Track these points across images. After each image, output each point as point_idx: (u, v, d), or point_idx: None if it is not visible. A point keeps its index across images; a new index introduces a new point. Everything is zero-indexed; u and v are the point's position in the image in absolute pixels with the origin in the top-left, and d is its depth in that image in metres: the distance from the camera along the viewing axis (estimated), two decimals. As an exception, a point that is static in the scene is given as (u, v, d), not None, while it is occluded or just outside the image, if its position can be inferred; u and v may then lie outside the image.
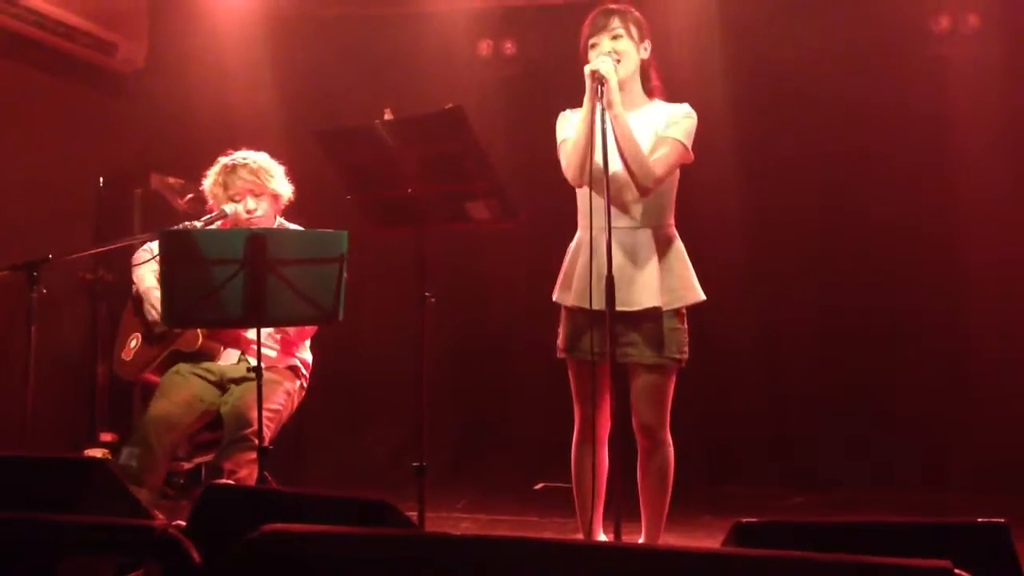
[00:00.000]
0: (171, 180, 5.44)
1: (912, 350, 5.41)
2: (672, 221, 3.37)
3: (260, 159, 3.82)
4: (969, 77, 5.25)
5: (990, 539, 1.68)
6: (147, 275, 3.79)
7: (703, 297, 3.35)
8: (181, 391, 3.66)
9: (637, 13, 3.36)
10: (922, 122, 5.35)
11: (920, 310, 5.41)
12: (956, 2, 5.29)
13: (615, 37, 3.28)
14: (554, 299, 3.44)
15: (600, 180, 3.07)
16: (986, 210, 5.27)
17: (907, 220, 5.42)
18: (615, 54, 3.23)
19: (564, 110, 3.42)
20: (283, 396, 3.74)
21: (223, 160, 3.82)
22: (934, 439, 5.31)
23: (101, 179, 5.51)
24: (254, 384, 3.37)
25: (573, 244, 3.43)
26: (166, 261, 3.19)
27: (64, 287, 4.84)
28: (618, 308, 3.12)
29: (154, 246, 3.78)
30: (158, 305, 3.55)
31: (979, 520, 1.71)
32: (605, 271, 2.99)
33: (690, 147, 3.30)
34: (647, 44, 3.35)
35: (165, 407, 3.59)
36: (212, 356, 3.81)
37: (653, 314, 3.25)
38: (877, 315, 5.48)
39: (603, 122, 3.07)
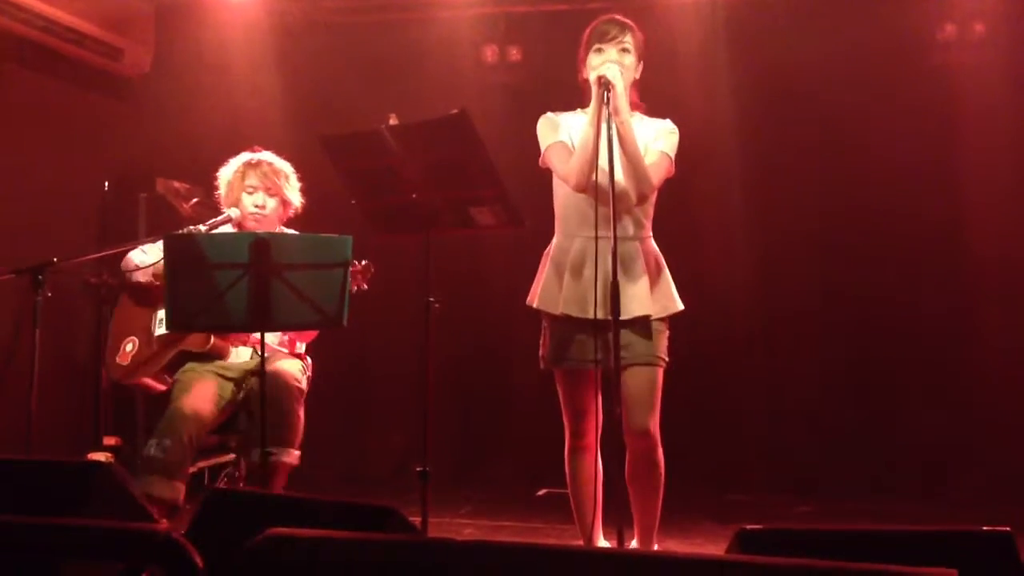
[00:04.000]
0: (176, 184, 5.44)
1: (917, 360, 5.39)
2: (651, 233, 3.40)
3: (283, 163, 3.92)
4: (975, 85, 5.25)
5: (995, 548, 1.68)
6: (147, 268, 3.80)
7: (682, 306, 3.39)
8: (204, 385, 3.67)
9: (641, 34, 3.38)
10: (928, 130, 5.34)
11: (926, 322, 5.39)
12: (962, 10, 5.29)
13: (623, 50, 3.29)
14: (535, 306, 3.42)
15: (603, 186, 3.07)
16: (993, 218, 5.26)
17: (912, 229, 5.41)
18: (620, 66, 3.23)
19: (546, 112, 3.42)
20: (301, 367, 3.85)
21: (248, 155, 3.90)
22: (939, 449, 5.30)
23: (106, 183, 5.52)
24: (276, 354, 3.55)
25: (552, 250, 3.41)
26: (171, 265, 3.19)
27: (69, 291, 4.85)
28: (611, 316, 3.12)
29: (149, 248, 3.78)
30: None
31: (984, 529, 1.70)
32: (610, 278, 2.99)
33: (673, 161, 3.33)
34: (641, 65, 3.39)
35: (193, 401, 3.59)
36: (221, 356, 3.81)
37: (643, 320, 3.28)
38: (882, 325, 5.47)
39: (609, 129, 3.07)
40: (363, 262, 3.65)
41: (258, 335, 3.51)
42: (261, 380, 3.31)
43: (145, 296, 3.84)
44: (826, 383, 5.49)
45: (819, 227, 5.54)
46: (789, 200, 5.53)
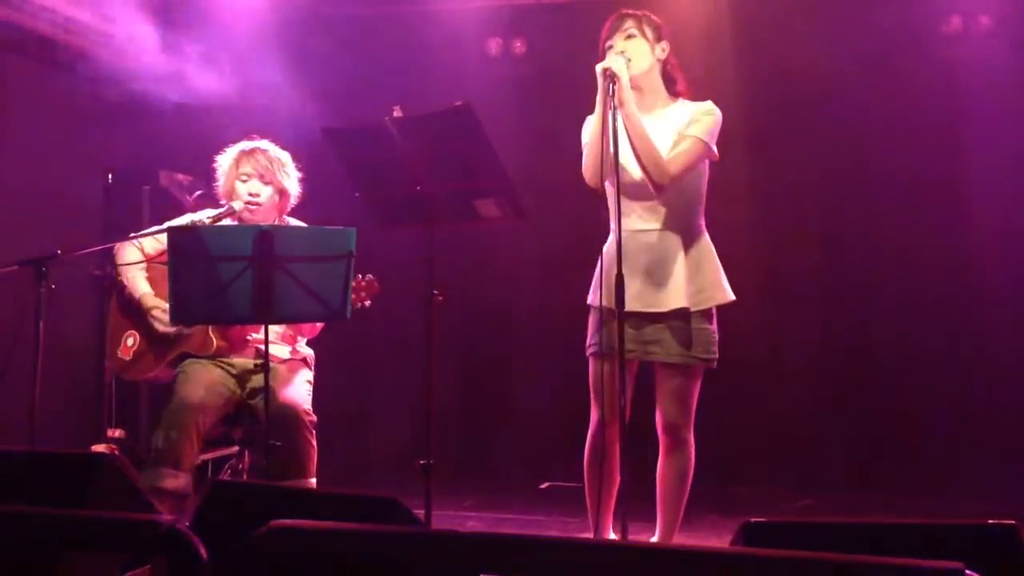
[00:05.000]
0: (180, 176, 5.44)
1: (921, 353, 5.39)
2: (702, 221, 3.39)
3: (278, 151, 3.86)
4: (981, 78, 5.23)
5: (1001, 540, 1.67)
6: (139, 279, 3.76)
7: (732, 297, 3.37)
8: (208, 376, 3.65)
9: (654, 17, 3.38)
10: (933, 122, 5.33)
11: (928, 315, 5.38)
12: (968, 3, 5.27)
13: (628, 37, 3.31)
14: (588, 302, 3.46)
15: (624, 180, 3.09)
16: (997, 212, 5.25)
17: (917, 223, 5.40)
18: (626, 53, 3.24)
19: (590, 115, 3.42)
20: (308, 378, 3.83)
21: (243, 143, 3.87)
22: (943, 443, 5.29)
23: (110, 175, 5.52)
24: (280, 371, 3.53)
25: (605, 245, 3.42)
26: (174, 257, 3.18)
27: (72, 283, 4.83)
28: (646, 309, 3.20)
29: (144, 241, 3.77)
30: (166, 307, 3.54)
31: (990, 521, 1.70)
32: (629, 270, 3.01)
33: (713, 144, 3.31)
34: (664, 45, 3.38)
35: (196, 391, 3.56)
36: (225, 356, 3.79)
37: (681, 313, 3.27)
38: (885, 319, 5.46)
39: (615, 121, 3.07)
40: (367, 277, 3.59)
41: (260, 336, 3.52)
42: (266, 398, 3.30)
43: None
44: (829, 376, 5.49)
45: (823, 221, 5.53)
46: (793, 194, 5.52)
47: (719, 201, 5.31)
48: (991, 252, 5.27)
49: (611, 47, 3.32)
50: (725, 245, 5.34)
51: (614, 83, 3.11)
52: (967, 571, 1.34)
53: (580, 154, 3.40)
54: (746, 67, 5.48)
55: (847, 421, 5.42)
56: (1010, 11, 5.23)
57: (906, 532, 1.72)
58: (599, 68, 3.16)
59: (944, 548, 1.61)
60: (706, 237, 3.38)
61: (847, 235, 5.51)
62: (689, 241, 3.31)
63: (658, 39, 3.36)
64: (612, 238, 3.35)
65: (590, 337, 3.42)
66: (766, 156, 5.51)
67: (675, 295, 3.25)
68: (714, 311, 3.35)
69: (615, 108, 3.09)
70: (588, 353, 3.44)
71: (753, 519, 1.72)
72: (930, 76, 5.35)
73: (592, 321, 3.43)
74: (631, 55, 3.25)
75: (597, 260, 3.34)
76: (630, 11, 3.38)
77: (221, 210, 3.73)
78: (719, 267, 3.37)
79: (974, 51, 5.26)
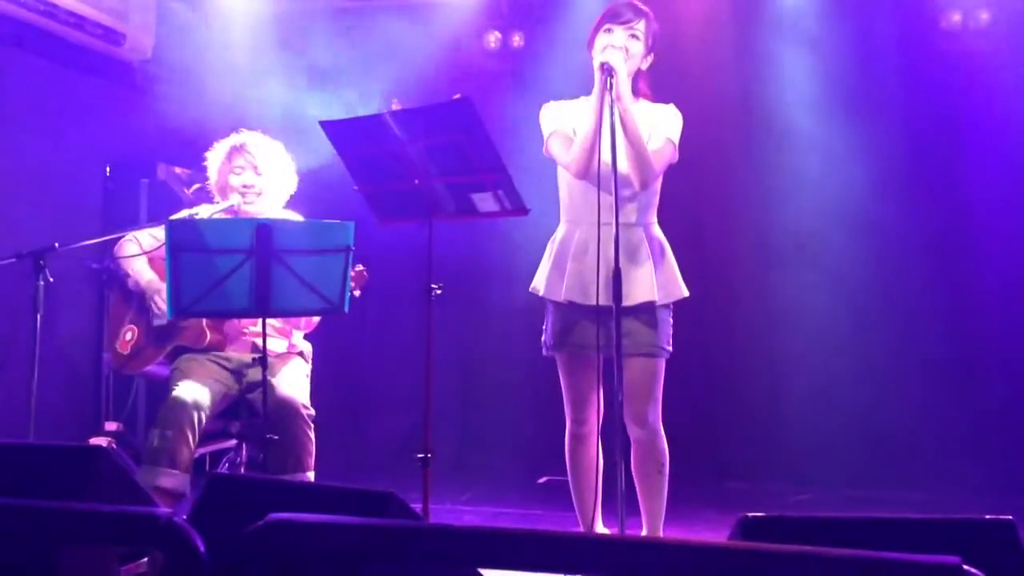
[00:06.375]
0: (178, 170, 5.44)
1: (919, 348, 5.39)
2: (656, 219, 3.40)
3: (271, 142, 3.85)
4: (979, 72, 5.23)
5: (998, 536, 1.67)
6: (143, 267, 3.76)
7: (687, 293, 3.38)
8: (203, 373, 3.64)
9: (656, 23, 3.36)
10: (931, 116, 5.33)
11: (927, 307, 5.39)
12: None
13: (632, 36, 3.27)
14: (541, 294, 3.43)
15: (606, 174, 3.06)
16: (995, 204, 5.25)
17: (915, 215, 5.40)
18: (624, 51, 3.22)
19: (548, 102, 3.42)
20: (305, 372, 3.83)
21: (234, 136, 3.85)
22: (940, 437, 5.29)
23: (108, 168, 5.52)
24: (277, 366, 3.53)
25: (558, 237, 3.42)
26: (173, 251, 3.17)
27: (70, 276, 4.84)
28: (612, 303, 3.14)
29: (140, 235, 3.76)
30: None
31: (987, 517, 1.70)
32: (612, 265, 2.99)
33: (676, 147, 3.33)
34: (651, 58, 3.36)
35: (192, 388, 3.54)
36: (220, 349, 3.79)
37: (648, 307, 3.27)
38: (883, 312, 5.47)
39: (612, 115, 3.06)
40: (357, 267, 3.57)
41: (255, 330, 3.51)
42: (264, 392, 3.30)
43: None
44: (827, 370, 5.48)
45: (821, 216, 5.52)
46: (792, 187, 5.52)
47: (717, 191, 5.35)
48: (991, 248, 5.27)
49: (610, 31, 3.28)
50: (723, 240, 5.40)
51: (612, 77, 3.10)
52: (964, 567, 1.34)
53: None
54: (740, 59, 5.47)
55: (844, 417, 5.42)
56: (1009, 5, 5.22)
57: (903, 527, 1.72)
58: (596, 63, 3.15)
59: (942, 544, 1.61)
60: (661, 233, 3.40)
61: (846, 230, 5.50)
62: (650, 236, 3.34)
63: (651, 49, 3.35)
64: (566, 229, 3.38)
65: (553, 335, 3.40)
66: (764, 147, 5.51)
67: (643, 288, 3.26)
68: (671, 306, 3.37)
69: (611, 103, 3.08)
70: (549, 352, 3.42)
71: (750, 514, 1.72)
72: (928, 70, 5.35)
73: (552, 317, 3.42)
74: (629, 57, 3.23)
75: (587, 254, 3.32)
76: (641, 6, 3.34)
77: (220, 205, 3.73)
78: (675, 264, 3.40)
79: (973, 46, 5.26)
